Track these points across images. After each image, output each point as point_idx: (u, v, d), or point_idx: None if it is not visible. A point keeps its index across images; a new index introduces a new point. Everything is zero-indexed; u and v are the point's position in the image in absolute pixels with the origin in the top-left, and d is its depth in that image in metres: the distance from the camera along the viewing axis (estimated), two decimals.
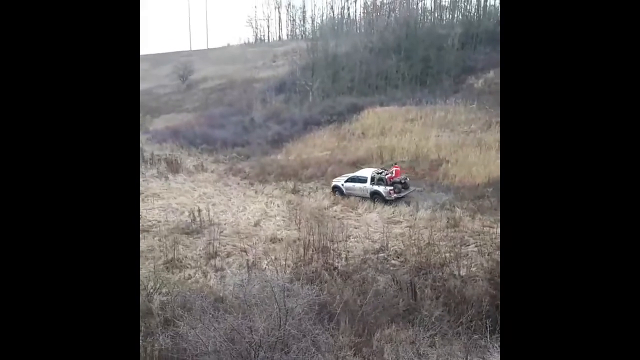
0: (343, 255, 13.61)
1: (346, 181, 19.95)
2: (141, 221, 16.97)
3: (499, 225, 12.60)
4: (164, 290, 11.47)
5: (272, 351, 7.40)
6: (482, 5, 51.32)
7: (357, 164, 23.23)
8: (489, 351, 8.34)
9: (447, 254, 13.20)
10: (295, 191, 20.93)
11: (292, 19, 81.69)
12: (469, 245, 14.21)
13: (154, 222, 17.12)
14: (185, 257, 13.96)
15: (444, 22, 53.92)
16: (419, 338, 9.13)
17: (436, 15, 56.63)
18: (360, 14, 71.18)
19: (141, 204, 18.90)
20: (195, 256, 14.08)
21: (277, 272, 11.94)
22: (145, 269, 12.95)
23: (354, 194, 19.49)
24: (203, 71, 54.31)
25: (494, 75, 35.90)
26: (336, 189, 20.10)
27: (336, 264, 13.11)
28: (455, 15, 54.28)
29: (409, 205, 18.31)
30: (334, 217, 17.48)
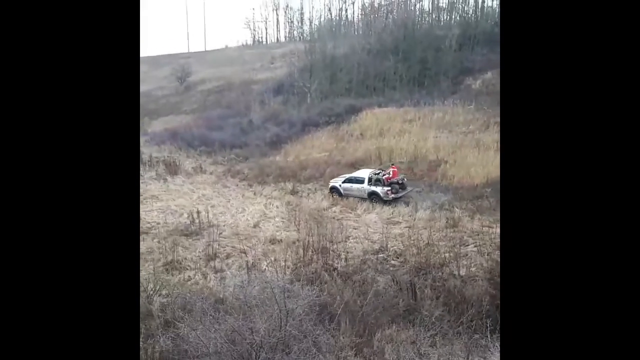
0: (343, 256, 13.61)
1: (344, 182, 19.99)
2: (140, 223, 16.95)
3: (498, 225, 12.65)
4: (163, 292, 11.45)
5: (273, 352, 7.39)
6: (479, 7, 51.51)
7: (355, 165, 23.25)
8: (489, 350, 8.34)
9: (447, 254, 13.22)
10: (294, 192, 20.94)
11: (289, 20, 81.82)
12: (468, 245, 14.23)
13: (153, 224, 17.10)
14: (185, 258, 13.94)
15: (442, 23, 54.02)
16: (419, 338, 9.14)
17: (434, 16, 56.76)
18: (357, 16, 71.39)
19: (140, 206, 18.87)
20: (195, 258, 14.07)
21: (276, 273, 11.94)
22: (145, 270, 12.93)
23: (351, 195, 19.53)
24: (201, 73, 54.33)
25: (491, 76, 36.02)
26: (334, 189, 20.13)
27: (336, 265, 13.11)
28: (453, 17, 54.44)
29: (408, 206, 18.33)
30: (333, 218, 17.49)
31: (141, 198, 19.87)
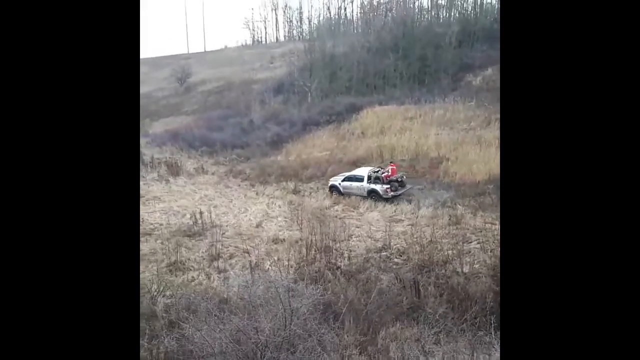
0: (346, 255, 13.63)
1: (343, 180, 20.04)
2: (143, 224, 17.00)
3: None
4: (167, 293, 11.48)
5: (278, 351, 7.40)
6: (478, 3, 51.38)
7: (357, 164, 23.25)
8: (493, 347, 8.35)
9: (450, 252, 13.22)
10: (296, 191, 20.95)
11: (289, 20, 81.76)
12: (471, 242, 14.23)
13: (155, 225, 17.13)
14: (188, 259, 13.96)
15: (441, 20, 53.90)
16: (423, 335, 9.15)
17: (433, 13, 56.62)
18: (357, 14, 71.28)
19: (142, 207, 18.93)
20: (198, 258, 14.09)
21: (280, 272, 11.96)
22: (149, 271, 12.98)
23: (351, 193, 19.58)
24: (201, 74, 54.35)
25: (492, 72, 35.95)
26: (333, 188, 20.18)
27: (339, 264, 13.12)
28: (452, 14, 54.29)
29: (410, 204, 18.33)
30: (336, 216, 17.51)
31: (143, 199, 19.95)
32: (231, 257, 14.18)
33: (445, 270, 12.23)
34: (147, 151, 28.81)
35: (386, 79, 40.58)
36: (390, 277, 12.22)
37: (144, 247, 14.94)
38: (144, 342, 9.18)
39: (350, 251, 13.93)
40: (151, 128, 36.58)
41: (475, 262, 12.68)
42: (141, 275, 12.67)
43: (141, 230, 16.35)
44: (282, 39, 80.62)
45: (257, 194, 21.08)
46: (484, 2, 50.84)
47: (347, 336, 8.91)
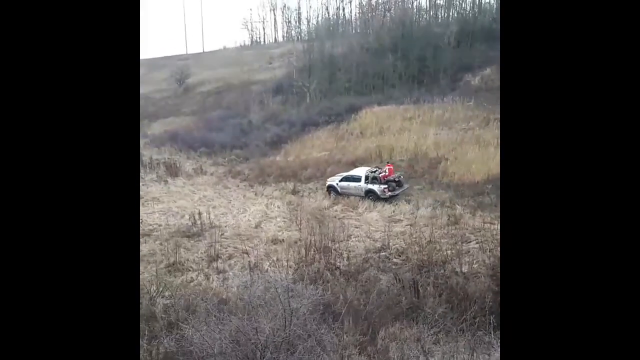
0: (345, 255, 13.63)
1: (341, 180, 20.09)
2: (142, 225, 16.97)
3: (499, 221, 12.64)
4: (166, 294, 11.47)
5: (277, 352, 7.40)
6: (477, 3, 51.49)
7: (356, 164, 23.26)
8: (493, 347, 8.36)
9: (449, 252, 13.24)
10: (295, 192, 20.96)
11: (287, 20, 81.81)
12: (470, 242, 14.25)
13: (154, 226, 17.12)
14: (187, 260, 13.95)
15: (440, 20, 54.04)
16: (423, 336, 9.15)
17: (431, 13, 56.80)
18: (355, 15, 71.35)
19: (141, 208, 18.90)
20: (197, 259, 14.09)
21: (279, 273, 11.96)
22: (148, 272, 12.97)
23: (348, 193, 19.64)
24: (200, 74, 54.31)
25: (490, 72, 36.01)
26: (331, 188, 20.23)
27: (338, 264, 13.12)
28: (451, 14, 54.46)
29: (409, 204, 18.35)
30: (335, 217, 17.51)
31: (142, 200, 19.93)
32: (230, 257, 14.17)
33: (444, 270, 12.24)
34: (145, 152, 28.79)
35: (385, 79, 40.62)
36: (390, 277, 12.22)
37: (143, 248, 14.92)
38: (143, 342, 9.17)
39: (349, 251, 13.93)
40: (150, 129, 36.52)
41: (474, 262, 12.68)
42: (140, 276, 12.66)
43: (140, 231, 16.35)
44: (280, 39, 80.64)
45: (256, 194, 21.08)
46: (483, 2, 51.03)
47: (347, 336, 8.91)
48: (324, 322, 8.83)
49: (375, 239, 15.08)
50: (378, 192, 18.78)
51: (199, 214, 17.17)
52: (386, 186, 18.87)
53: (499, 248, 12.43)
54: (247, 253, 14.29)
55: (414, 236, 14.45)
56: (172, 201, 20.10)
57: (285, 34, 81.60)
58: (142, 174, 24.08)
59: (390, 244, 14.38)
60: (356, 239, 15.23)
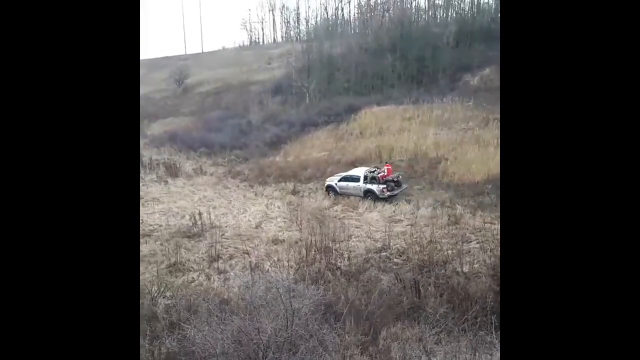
0: (345, 255, 13.63)
1: (339, 180, 20.13)
2: (142, 226, 16.96)
3: (499, 221, 12.63)
4: (168, 294, 11.46)
5: (280, 352, 7.40)
6: (475, 3, 51.55)
7: (356, 164, 23.27)
8: (495, 347, 8.37)
9: (450, 251, 13.25)
10: (295, 192, 20.95)
11: (286, 21, 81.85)
12: (470, 242, 14.26)
13: (155, 226, 17.10)
14: (188, 260, 13.94)
15: (438, 20, 54.11)
16: (425, 335, 9.16)
17: (430, 14, 56.84)
18: (354, 15, 71.39)
19: (141, 208, 18.88)
20: (198, 259, 14.07)
21: (280, 273, 11.96)
22: (149, 273, 12.97)
23: (347, 193, 19.68)
24: (199, 75, 54.30)
25: (489, 72, 36.06)
26: (330, 188, 20.26)
27: (339, 264, 13.13)
28: (449, 14, 54.49)
29: (409, 204, 18.36)
30: (335, 217, 17.52)
31: (142, 201, 19.91)
32: (231, 257, 14.16)
33: (445, 270, 12.25)
34: (145, 152, 28.75)
35: (384, 79, 40.65)
36: (390, 277, 12.23)
37: (144, 248, 14.91)
38: (145, 343, 9.17)
39: (350, 251, 13.94)
40: (149, 129, 36.48)
41: (475, 261, 12.70)
42: (141, 277, 12.65)
43: (140, 232, 16.33)
44: (279, 39, 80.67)
45: (256, 194, 21.07)
46: (481, 2, 51.11)
47: (349, 336, 8.91)
48: (326, 322, 8.83)
49: (376, 239, 15.09)
50: (377, 192, 18.84)
51: (200, 214, 17.15)
52: (385, 186, 18.93)
53: (499, 248, 12.44)
54: (247, 253, 14.28)
55: (414, 236, 14.46)
56: (172, 201, 20.08)
57: (284, 35, 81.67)
58: (142, 174, 24.05)
59: (391, 244, 14.39)
60: (357, 239, 15.23)
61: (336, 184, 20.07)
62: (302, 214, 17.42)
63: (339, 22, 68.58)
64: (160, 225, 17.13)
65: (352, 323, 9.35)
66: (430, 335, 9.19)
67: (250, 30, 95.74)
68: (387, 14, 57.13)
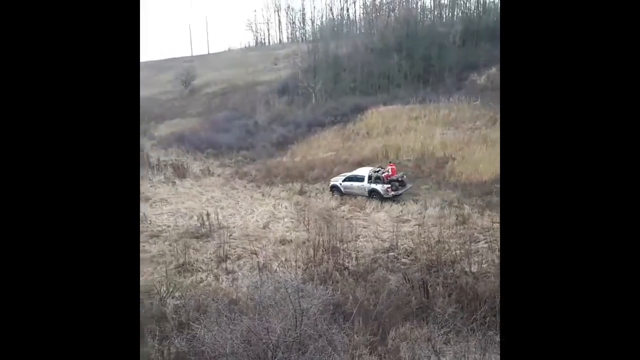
0: (353, 255, 13.64)
1: (344, 180, 20.16)
2: (151, 226, 17.09)
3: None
4: (176, 295, 11.54)
5: (289, 351, 7.43)
6: (481, 2, 51.29)
7: (362, 164, 23.22)
8: None
9: (458, 251, 13.21)
10: (302, 192, 20.98)
11: (291, 21, 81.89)
12: (479, 241, 14.21)
13: (163, 227, 17.20)
14: (197, 260, 14.01)
15: (444, 19, 53.90)
16: (433, 335, 9.15)
17: (436, 13, 56.63)
18: (359, 15, 71.32)
19: (150, 209, 19.04)
20: (206, 260, 14.14)
21: (288, 273, 11.99)
22: (158, 273, 13.07)
23: (352, 193, 19.70)
24: (205, 76, 54.50)
25: (496, 71, 35.80)
26: (334, 188, 20.28)
27: (347, 264, 13.14)
28: (455, 13, 54.28)
29: (417, 204, 18.32)
30: (342, 217, 17.52)
31: (151, 201, 20.06)
32: (239, 258, 14.22)
33: (454, 270, 12.22)
34: (153, 153, 28.95)
35: (390, 79, 40.55)
36: (399, 277, 12.22)
37: (152, 248, 15.02)
38: (155, 343, 9.25)
39: (358, 252, 13.94)
40: (156, 131, 36.67)
41: (484, 261, 12.65)
42: (150, 277, 12.76)
43: (149, 232, 16.45)
44: (285, 40, 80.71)
45: (263, 195, 21.13)
46: (487, 0, 50.77)
47: (357, 336, 8.93)
48: (335, 322, 8.85)
49: (384, 239, 15.08)
50: (381, 192, 18.85)
51: (207, 215, 17.24)
52: (389, 186, 18.94)
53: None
54: (255, 253, 14.33)
55: (422, 236, 14.44)
56: (180, 202, 20.19)
57: (289, 35, 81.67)
58: (149, 175, 24.25)
59: (399, 244, 14.38)
60: (364, 239, 15.23)
61: (340, 184, 20.10)
62: (310, 214, 17.45)
63: (344, 22, 68.54)
64: (169, 226, 17.23)
65: (360, 323, 9.37)
66: (439, 335, 9.18)
67: (256, 31, 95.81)
68: (392, 14, 56.97)
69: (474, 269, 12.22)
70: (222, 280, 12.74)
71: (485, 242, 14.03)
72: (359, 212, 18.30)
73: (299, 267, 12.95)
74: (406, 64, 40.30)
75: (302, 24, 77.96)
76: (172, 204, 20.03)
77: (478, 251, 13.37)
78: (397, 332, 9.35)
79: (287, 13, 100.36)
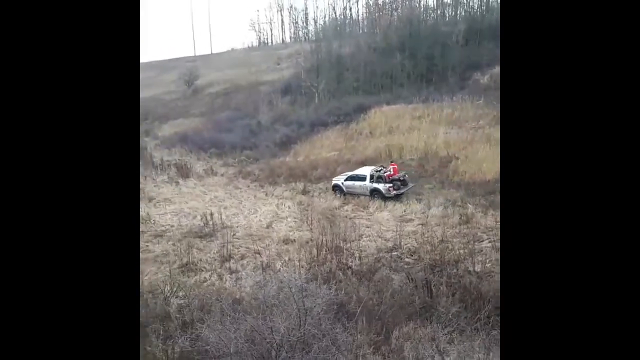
0: (356, 255, 13.63)
1: (346, 180, 20.16)
2: (154, 226, 17.14)
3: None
4: (180, 294, 11.56)
5: (293, 351, 7.44)
6: (484, 1, 51.16)
7: (365, 163, 23.20)
8: None
9: (461, 251, 13.18)
10: (305, 192, 20.99)
11: (294, 21, 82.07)
12: (482, 241, 14.17)
13: (167, 226, 17.25)
14: (200, 260, 14.04)
15: (447, 19, 53.84)
16: (437, 335, 9.14)
17: (439, 12, 56.56)
18: (362, 14, 71.30)
19: (153, 209, 19.10)
20: (210, 259, 14.16)
21: (292, 272, 11.99)
22: (161, 273, 13.10)
23: (354, 192, 19.71)
24: (208, 76, 54.61)
25: (499, 70, 35.70)
26: (336, 187, 20.30)
27: (350, 264, 13.13)
28: (458, 12, 54.22)
29: (420, 203, 18.30)
30: (345, 216, 17.52)
31: (154, 201, 20.13)
32: (242, 257, 14.23)
33: (457, 270, 12.19)
34: (156, 153, 29.05)
35: (393, 78, 40.54)
36: (402, 276, 12.20)
37: (156, 248, 15.07)
38: (159, 342, 9.28)
39: (361, 251, 13.93)
40: (160, 131, 36.80)
41: (487, 261, 12.62)
42: (154, 277, 12.79)
43: (153, 232, 16.50)
44: (288, 40, 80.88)
45: (266, 194, 21.15)
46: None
47: (361, 336, 8.92)
48: (338, 322, 8.85)
49: (387, 238, 15.06)
50: (383, 191, 18.86)
51: (211, 214, 17.26)
52: (391, 185, 18.94)
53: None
54: (259, 253, 14.34)
55: (425, 235, 14.42)
56: (183, 202, 20.24)
57: (292, 35, 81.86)
58: (153, 175, 24.33)
59: (402, 243, 14.36)
60: (367, 238, 15.22)
61: (342, 183, 20.11)
62: (313, 213, 17.45)
63: (347, 22, 68.54)
64: (172, 226, 17.27)
65: (364, 322, 9.36)
66: (442, 334, 9.17)
67: (259, 31, 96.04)
68: (395, 13, 57.00)
69: (478, 268, 12.19)
70: (226, 280, 12.75)
71: (489, 242, 14.00)
72: (362, 211, 18.29)
73: (302, 267, 12.95)
74: (409, 64, 40.26)
75: (304, 24, 78.10)
76: (176, 203, 20.07)
77: (482, 250, 13.34)
78: (400, 331, 9.34)
79: (289, 13, 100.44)
